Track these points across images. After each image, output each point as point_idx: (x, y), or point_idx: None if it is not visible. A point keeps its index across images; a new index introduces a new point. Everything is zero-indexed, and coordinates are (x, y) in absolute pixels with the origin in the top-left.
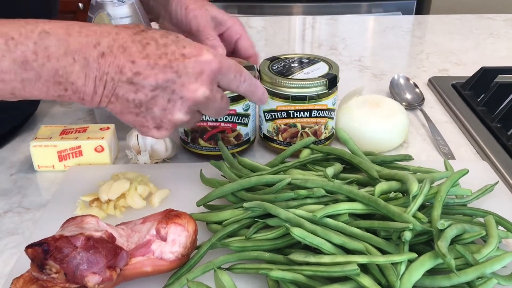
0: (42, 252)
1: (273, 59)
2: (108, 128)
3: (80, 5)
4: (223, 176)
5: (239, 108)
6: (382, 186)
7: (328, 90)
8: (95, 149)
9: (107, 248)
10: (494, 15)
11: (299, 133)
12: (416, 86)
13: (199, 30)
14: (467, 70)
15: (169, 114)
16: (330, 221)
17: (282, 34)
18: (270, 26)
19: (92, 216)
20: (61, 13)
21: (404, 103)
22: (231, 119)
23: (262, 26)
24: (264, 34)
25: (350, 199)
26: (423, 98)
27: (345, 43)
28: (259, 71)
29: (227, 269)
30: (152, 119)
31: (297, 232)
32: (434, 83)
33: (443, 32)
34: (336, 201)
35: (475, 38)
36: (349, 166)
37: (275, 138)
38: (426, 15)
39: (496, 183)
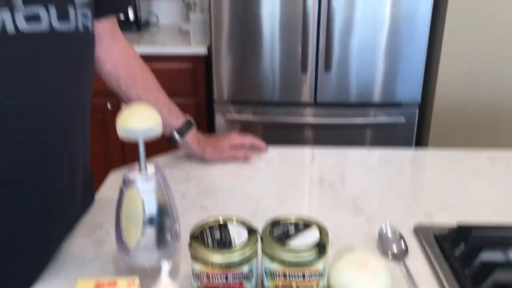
0: None
1: (274, 223)
2: (134, 282)
3: (109, 105)
4: None
5: (245, 269)
6: None
7: (318, 258)
8: None
9: None
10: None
11: None
12: (401, 237)
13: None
14: (451, 215)
15: None
16: None
17: (289, 166)
18: (277, 156)
19: None
20: (92, 111)
21: (390, 252)
22: (239, 278)
23: (270, 156)
24: (273, 167)
25: None
26: (407, 250)
27: (343, 179)
28: (261, 236)
29: None
30: None
31: None
32: (418, 233)
33: (431, 168)
34: None
35: (461, 177)
36: None
37: None
38: (423, 150)
39: None
